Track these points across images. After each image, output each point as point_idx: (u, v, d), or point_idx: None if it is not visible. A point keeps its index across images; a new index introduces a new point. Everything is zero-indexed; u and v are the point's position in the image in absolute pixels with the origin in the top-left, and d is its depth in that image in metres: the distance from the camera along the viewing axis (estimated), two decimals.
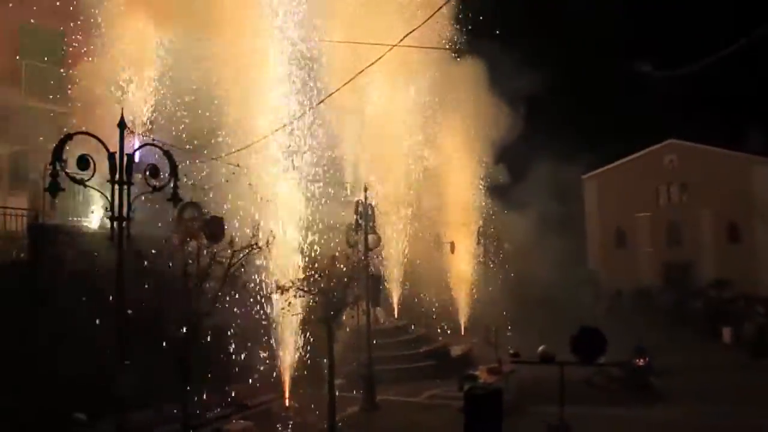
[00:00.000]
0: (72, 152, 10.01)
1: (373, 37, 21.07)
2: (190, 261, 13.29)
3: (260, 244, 14.98)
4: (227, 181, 17.69)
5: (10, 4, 20.65)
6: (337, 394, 16.41)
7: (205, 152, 18.20)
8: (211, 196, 17.48)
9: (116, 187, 10.27)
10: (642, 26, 73.62)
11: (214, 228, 14.50)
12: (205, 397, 15.93)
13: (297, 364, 18.99)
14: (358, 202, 19.58)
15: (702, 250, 48.94)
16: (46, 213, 18.32)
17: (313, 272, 16.17)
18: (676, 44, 58.01)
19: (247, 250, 14.18)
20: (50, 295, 14.72)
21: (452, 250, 31.80)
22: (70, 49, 20.16)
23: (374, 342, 19.94)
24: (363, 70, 16.80)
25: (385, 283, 27.61)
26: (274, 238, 15.97)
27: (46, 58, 21.40)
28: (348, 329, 20.19)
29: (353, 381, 19.38)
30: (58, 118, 18.19)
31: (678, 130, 49.93)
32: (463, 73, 31.60)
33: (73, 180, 9.95)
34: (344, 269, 16.25)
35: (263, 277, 18.38)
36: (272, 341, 18.72)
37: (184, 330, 13.06)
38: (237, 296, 16.35)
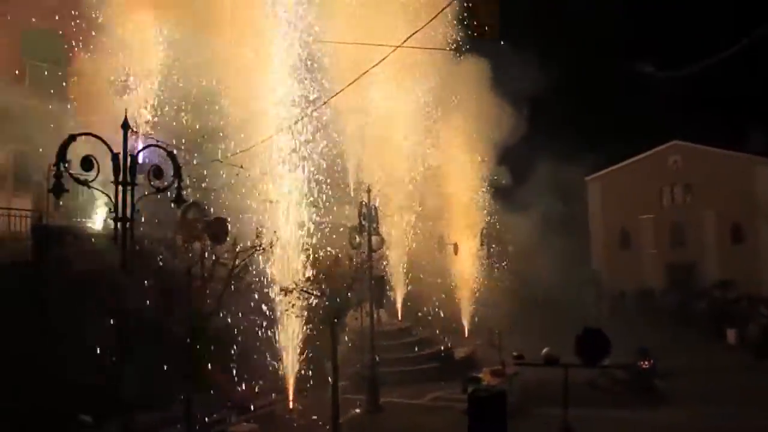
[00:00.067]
0: (74, 152, 10.01)
1: (377, 37, 21.10)
2: (195, 261, 13.29)
3: (264, 245, 14.98)
4: (232, 182, 17.70)
5: (13, 5, 20.69)
6: (340, 396, 16.39)
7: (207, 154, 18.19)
8: (212, 198, 17.50)
9: (119, 187, 10.28)
10: (644, 27, 73.55)
11: (218, 229, 14.50)
12: (209, 398, 15.90)
13: (301, 366, 18.96)
14: (361, 203, 19.57)
15: (706, 251, 48.86)
16: (50, 214, 18.32)
17: (316, 274, 16.16)
18: (678, 45, 57.94)
19: (250, 252, 14.18)
20: (54, 296, 14.71)
21: (456, 252, 31.77)
22: (74, 49, 20.10)
23: (378, 344, 19.91)
24: (366, 71, 16.78)
25: (389, 285, 27.57)
26: (277, 239, 15.97)
27: (48, 59, 21.38)
28: (351, 331, 20.17)
29: (357, 383, 19.35)
30: (60, 118, 18.16)
31: (682, 131, 49.88)
32: (466, 73, 31.55)
33: (77, 181, 9.94)
34: (348, 271, 16.23)
35: (267, 279, 18.36)
36: (276, 343, 18.69)
37: (188, 331, 13.07)
38: (240, 298, 16.35)
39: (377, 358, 19.50)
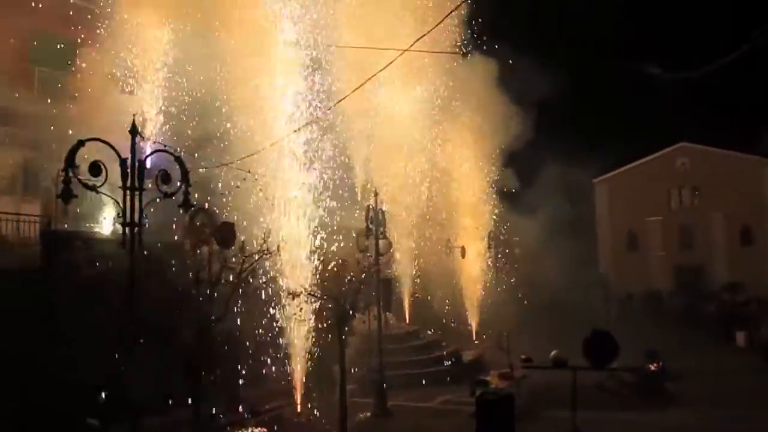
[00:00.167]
0: (82, 157, 10.05)
1: (383, 37, 21.14)
2: (203, 265, 13.33)
3: (271, 249, 15.01)
4: (238, 186, 17.74)
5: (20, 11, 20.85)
6: (348, 399, 16.40)
7: (213, 159, 18.24)
8: (224, 200, 17.55)
9: (126, 192, 10.33)
10: (651, 28, 73.43)
11: (226, 233, 14.54)
12: (217, 402, 15.93)
13: (308, 369, 18.97)
14: (368, 207, 19.58)
15: (714, 253, 48.64)
16: (58, 219, 18.42)
17: (324, 277, 16.19)
18: (685, 46, 57.80)
19: (257, 256, 14.21)
20: (63, 300, 14.78)
21: (463, 255, 31.75)
22: (80, 56, 20.24)
23: (385, 347, 19.91)
24: (374, 75, 16.79)
25: (396, 288, 27.58)
26: (285, 243, 16.00)
27: (57, 65, 21.51)
28: (359, 334, 20.18)
29: (365, 386, 19.35)
30: (68, 123, 18.28)
31: (689, 132, 49.72)
32: (472, 76, 31.54)
33: (86, 186, 9.97)
34: (355, 274, 16.25)
35: (274, 283, 18.39)
36: (283, 346, 18.71)
37: (196, 335, 13.11)
38: (248, 301, 16.38)
39: (384, 362, 19.50)
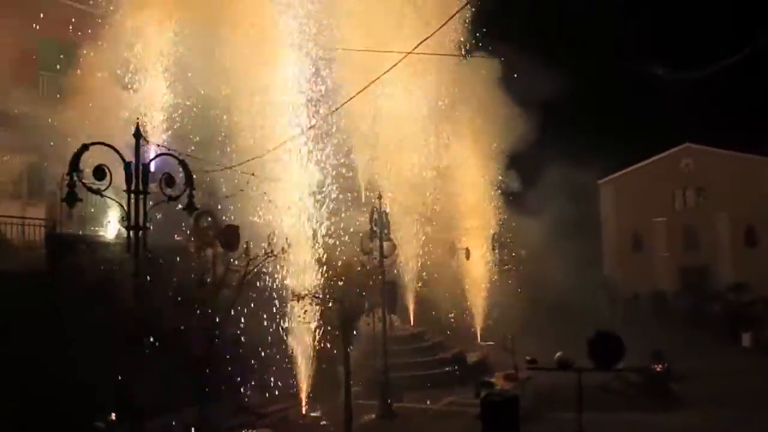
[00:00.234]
0: (84, 158, 10.08)
1: (386, 38, 21.14)
2: (208, 268, 13.37)
3: (275, 252, 15.03)
4: (242, 190, 17.77)
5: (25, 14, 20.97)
6: (353, 401, 16.40)
7: (217, 164, 18.27)
8: (221, 205, 17.57)
9: (131, 196, 10.35)
10: (655, 29, 73.27)
11: (230, 237, 14.57)
12: (221, 404, 15.96)
13: (313, 371, 18.98)
14: (372, 209, 19.58)
15: (719, 253, 48.58)
16: (63, 223, 18.48)
17: (328, 280, 16.21)
18: (690, 47, 57.68)
19: (262, 259, 14.24)
20: (68, 304, 14.83)
21: (467, 257, 31.72)
22: (84, 59, 20.31)
23: (390, 349, 19.91)
24: (377, 78, 16.83)
25: (401, 290, 27.57)
26: (289, 246, 16.02)
27: (59, 68, 21.59)
28: (364, 336, 20.17)
29: (370, 388, 19.34)
30: (72, 126, 18.35)
31: (694, 133, 49.65)
32: (475, 77, 31.53)
33: (90, 190, 10.00)
34: (360, 276, 16.27)
35: (279, 285, 18.41)
36: (288, 349, 18.72)
37: (201, 338, 13.13)
38: (253, 304, 16.41)
39: (389, 363, 19.49)
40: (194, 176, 11.07)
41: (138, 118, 11.84)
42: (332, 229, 20.23)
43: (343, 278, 16.15)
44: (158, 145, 16.70)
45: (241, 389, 17.23)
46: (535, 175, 41.25)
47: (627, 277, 48.50)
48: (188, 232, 15.58)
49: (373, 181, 26.25)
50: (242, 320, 16.00)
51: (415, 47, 14.87)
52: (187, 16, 20.21)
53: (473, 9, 27.21)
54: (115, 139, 10.86)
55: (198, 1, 19.91)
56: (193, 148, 18.57)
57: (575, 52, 54.97)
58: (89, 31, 20.27)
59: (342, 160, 22.73)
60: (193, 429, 14.19)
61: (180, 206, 10.94)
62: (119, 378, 10.82)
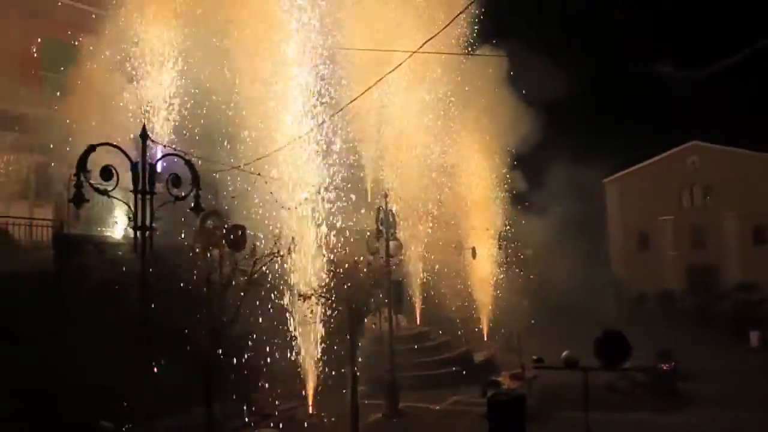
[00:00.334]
0: (91, 158, 10.12)
1: (391, 36, 21.10)
2: (215, 268, 13.36)
3: (282, 252, 15.03)
4: (248, 189, 17.80)
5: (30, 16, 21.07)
6: (360, 400, 16.41)
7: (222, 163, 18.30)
8: (233, 204, 17.60)
9: (137, 196, 10.39)
10: (661, 27, 73.12)
11: (236, 236, 14.57)
12: (229, 404, 15.98)
13: (320, 371, 19.00)
14: (379, 208, 19.58)
15: (727, 252, 48.34)
16: (70, 223, 18.54)
17: (334, 279, 16.21)
18: (696, 45, 57.50)
19: (268, 259, 14.23)
20: (75, 304, 14.88)
21: (474, 256, 31.71)
22: (88, 59, 20.38)
23: (397, 348, 19.91)
24: (383, 78, 16.83)
25: (407, 290, 27.56)
26: (295, 246, 16.02)
27: (63, 68, 21.68)
28: (370, 336, 20.18)
29: (376, 388, 19.36)
30: (78, 127, 18.43)
31: (699, 131, 49.48)
32: (481, 76, 31.48)
33: (97, 191, 10.04)
34: (366, 276, 16.26)
35: (285, 285, 18.43)
36: (295, 348, 18.75)
37: (208, 338, 13.14)
38: (259, 304, 16.42)
39: (395, 363, 19.50)
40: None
41: (143, 119, 11.83)
42: (338, 228, 20.24)
43: (349, 278, 16.14)
44: (165, 146, 16.75)
45: (248, 389, 17.25)
46: (540, 174, 41.27)
47: (633, 276, 48.40)
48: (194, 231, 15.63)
49: (379, 181, 26.25)
50: (249, 320, 16.01)
51: (421, 46, 14.84)
52: (193, 15, 20.26)
53: (477, 9, 27.25)
54: (121, 139, 10.90)
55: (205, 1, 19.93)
56: (193, 150, 18.64)
57: (580, 51, 54.94)
58: (93, 31, 20.34)
59: (348, 160, 22.74)
60: (200, 429, 14.20)
61: (191, 207, 11.00)
62: (127, 378, 10.84)
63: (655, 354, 20.87)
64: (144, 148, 10.64)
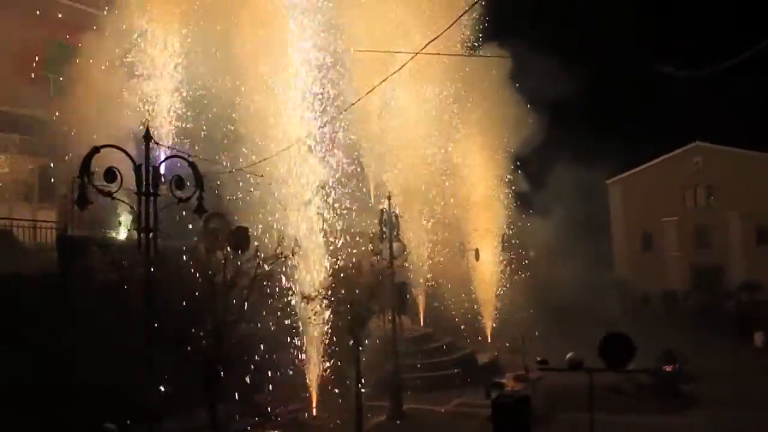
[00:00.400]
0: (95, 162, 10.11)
1: (394, 37, 21.08)
2: (218, 270, 13.38)
3: (285, 253, 15.04)
4: (252, 190, 17.80)
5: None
6: (364, 402, 16.39)
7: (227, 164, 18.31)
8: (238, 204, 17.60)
9: (140, 198, 10.39)
10: (664, 27, 73.03)
11: (240, 238, 14.58)
12: (233, 406, 15.97)
13: (324, 373, 18.99)
14: (382, 210, 19.56)
15: (731, 252, 48.25)
16: (74, 225, 18.56)
17: (338, 281, 16.20)
18: (699, 45, 57.42)
19: (272, 260, 14.25)
20: (80, 305, 14.89)
21: (477, 257, 31.68)
22: (92, 62, 20.42)
23: (400, 350, 19.89)
24: (386, 79, 16.82)
25: (411, 291, 27.53)
26: (299, 247, 16.02)
27: (66, 70, 21.71)
28: (374, 338, 20.15)
29: (380, 389, 19.34)
30: (82, 129, 18.48)
31: (703, 131, 49.37)
32: (484, 76, 31.44)
33: (101, 192, 10.04)
34: (370, 278, 16.26)
35: (289, 286, 18.43)
36: (299, 350, 18.75)
37: (212, 340, 13.15)
38: (263, 305, 16.42)
39: (399, 364, 19.47)
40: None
41: (147, 121, 11.85)
42: (341, 230, 20.23)
43: (352, 279, 16.13)
44: (168, 147, 16.77)
45: (252, 391, 17.24)
46: (543, 175, 41.22)
47: (637, 276, 48.31)
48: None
49: (382, 182, 26.24)
50: (253, 322, 16.02)
51: (424, 47, 14.84)
52: (196, 19, 20.30)
53: (480, 10, 27.22)
54: (124, 141, 10.91)
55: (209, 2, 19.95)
56: (197, 148, 18.65)
57: (583, 51, 54.89)
58: (95, 31, 20.37)
59: (351, 161, 22.72)
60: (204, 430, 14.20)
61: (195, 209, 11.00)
62: (130, 379, 10.84)
63: (659, 355, 20.80)
64: (147, 150, 10.64)
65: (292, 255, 15.58)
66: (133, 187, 10.34)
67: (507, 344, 28.78)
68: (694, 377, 21.11)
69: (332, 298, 16.42)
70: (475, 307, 32.14)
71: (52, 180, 21.00)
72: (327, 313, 17.87)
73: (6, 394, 12.81)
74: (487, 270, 33.39)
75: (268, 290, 16.09)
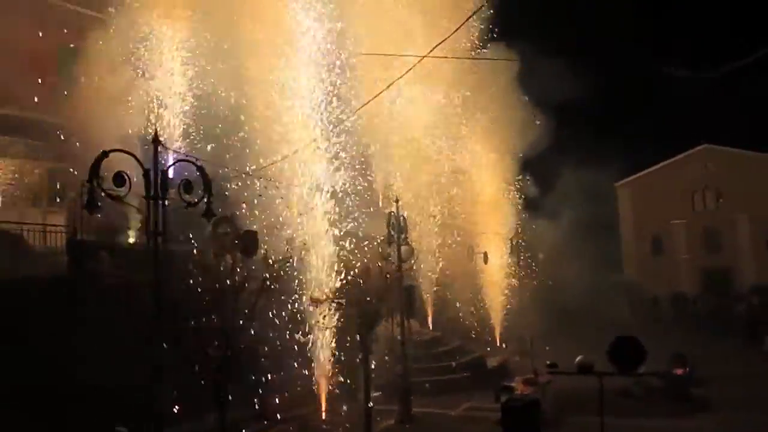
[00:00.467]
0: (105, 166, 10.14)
1: (400, 40, 21.06)
2: (227, 272, 13.40)
3: (293, 257, 15.05)
4: (260, 195, 17.82)
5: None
6: (372, 406, 16.37)
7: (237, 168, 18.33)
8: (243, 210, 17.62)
9: (149, 203, 10.41)
10: (673, 28, 72.80)
11: (248, 242, 14.60)
12: (242, 410, 15.97)
13: (333, 376, 18.97)
14: (390, 214, 19.53)
15: (740, 255, 48.06)
16: (83, 229, 18.62)
17: (347, 284, 16.21)
18: (708, 47, 57.25)
19: (280, 264, 14.26)
20: (89, 309, 14.93)
21: (485, 261, 31.63)
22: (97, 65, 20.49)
23: (409, 353, 19.86)
24: (393, 83, 16.83)
25: (419, 294, 27.50)
26: (307, 251, 16.03)
27: (75, 74, 21.79)
28: (383, 341, 20.14)
29: (389, 393, 19.31)
30: (90, 132, 18.55)
31: (711, 134, 49.22)
32: (491, 79, 31.39)
33: (110, 197, 10.06)
34: (378, 281, 16.26)
35: (298, 290, 18.42)
36: (307, 354, 18.73)
37: (221, 343, 13.17)
38: (272, 309, 16.43)
39: (408, 368, 19.44)
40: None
41: (156, 125, 11.88)
42: (350, 233, 20.21)
43: (361, 283, 16.14)
44: (176, 152, 16.82)
45: (261, 394, 17.24)
46: (552, 178, 41.15)
47: (646, 279, 48.19)
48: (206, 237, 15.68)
49: (391, 185, 26.22)
50: (262, 325, 16.02)
51: (431, 50, 14.85)
52: (203, 22, 20.35)
53: (487, 12, 27.21)
54: (133, 146, 10.94)
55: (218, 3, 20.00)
56: (207, 148, 18.67)
57: (591, 54, 54.77)
58: (102, 35, 20.45)
59: (358, 165, 22.71)
60: None
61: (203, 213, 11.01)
62: (142, 382, 10.86)
63: (669, 358, 20.70)
64: (156, 154, 10.66)
65: (301, 258, 15.59)
66: (142, 190, 10.37)
67: (516, 347, 28.72)
68: (704, 381, 20.99)
69: (341, 302, 16.42)
70: (484, 310, 32.08)
71: (58, 185, 21.10)
72: (336, 317, 17.86)
73: (17, 396, 12.84)
74: (496, 273, 33.33)
75: (277, 294, 16.08)
